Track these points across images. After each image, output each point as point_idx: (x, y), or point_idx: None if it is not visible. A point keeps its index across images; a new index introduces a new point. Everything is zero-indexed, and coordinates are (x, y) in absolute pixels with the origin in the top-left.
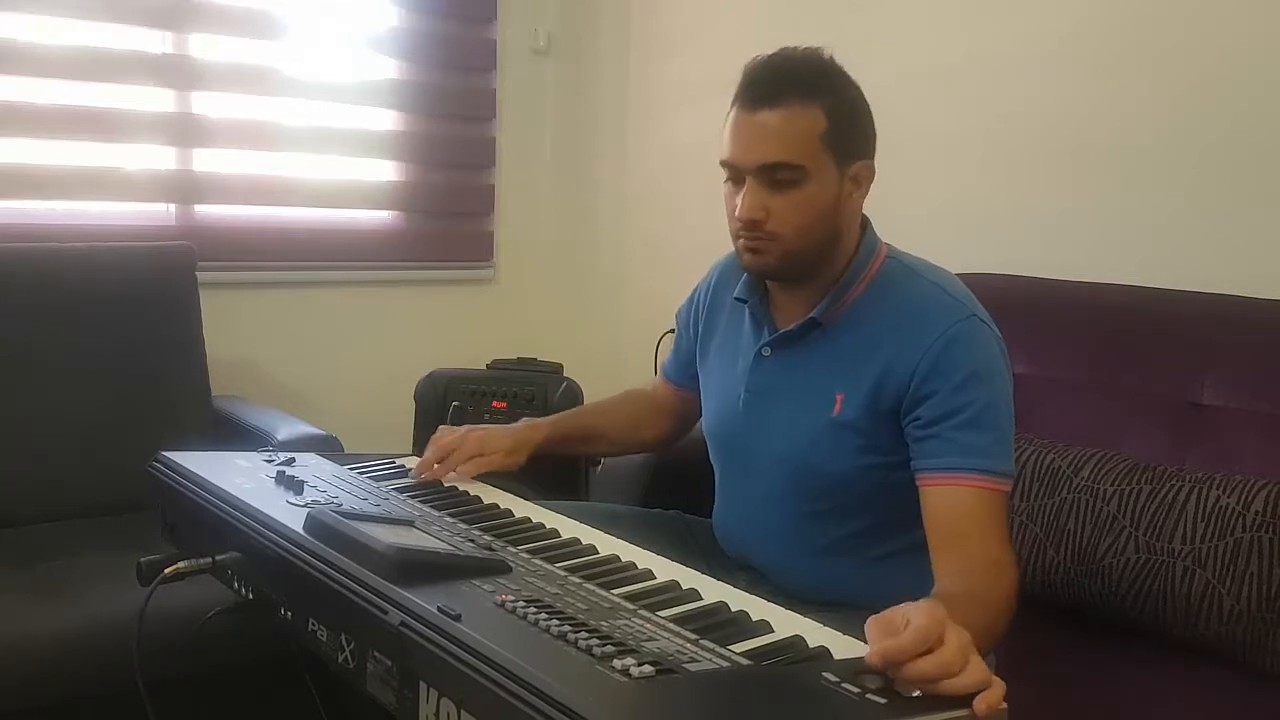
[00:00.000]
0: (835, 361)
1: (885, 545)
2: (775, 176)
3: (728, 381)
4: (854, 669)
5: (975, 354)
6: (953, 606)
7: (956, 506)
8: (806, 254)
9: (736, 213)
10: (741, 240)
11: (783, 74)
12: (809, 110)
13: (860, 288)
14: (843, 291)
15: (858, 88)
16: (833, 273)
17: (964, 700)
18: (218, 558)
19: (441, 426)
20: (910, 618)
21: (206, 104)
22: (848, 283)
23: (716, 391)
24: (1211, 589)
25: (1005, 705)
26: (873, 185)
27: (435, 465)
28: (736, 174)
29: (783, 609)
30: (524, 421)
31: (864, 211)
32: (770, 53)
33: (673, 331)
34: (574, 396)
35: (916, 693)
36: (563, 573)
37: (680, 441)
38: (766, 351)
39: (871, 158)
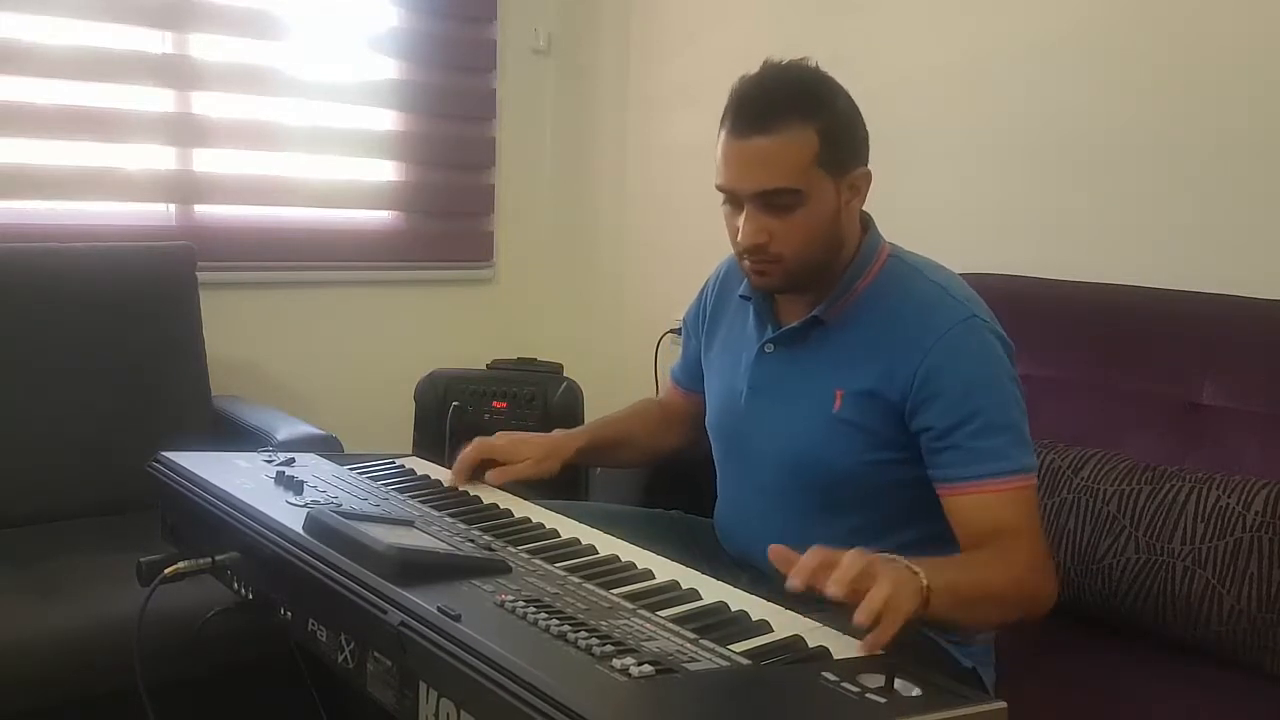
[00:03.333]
0: (836, 358)
1: (884, 542)
2: (774, 202)
3: (730, 378)
4: (854, 669)
5: (977, 356)
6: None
7: (987, 513)
8: (810, 268)
9: (739, 239)
10: (747, 262)
11: (772, 97)
12: (802, 134)
13: (862, 286)
14: (845, 289)
15: (846, 95)
16: (835, 272)
17: (965, 699)
18: (218, 558)
19: (478, 438)
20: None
21: (206, 104)
22: (850, 281)
23: (719, 387)
24: (1211, 589)
25: (1005, 704)
26: (873, 185)
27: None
28: (734, 199)
29: (783, 609)
30: (559, 431)
31: (865, 210)
32: (756, 72)
33: (673, 331)
34: (574, 396)
35: (916, 691)
36: (562, 573)
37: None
38: (769, 348)
39: (866, 161)
